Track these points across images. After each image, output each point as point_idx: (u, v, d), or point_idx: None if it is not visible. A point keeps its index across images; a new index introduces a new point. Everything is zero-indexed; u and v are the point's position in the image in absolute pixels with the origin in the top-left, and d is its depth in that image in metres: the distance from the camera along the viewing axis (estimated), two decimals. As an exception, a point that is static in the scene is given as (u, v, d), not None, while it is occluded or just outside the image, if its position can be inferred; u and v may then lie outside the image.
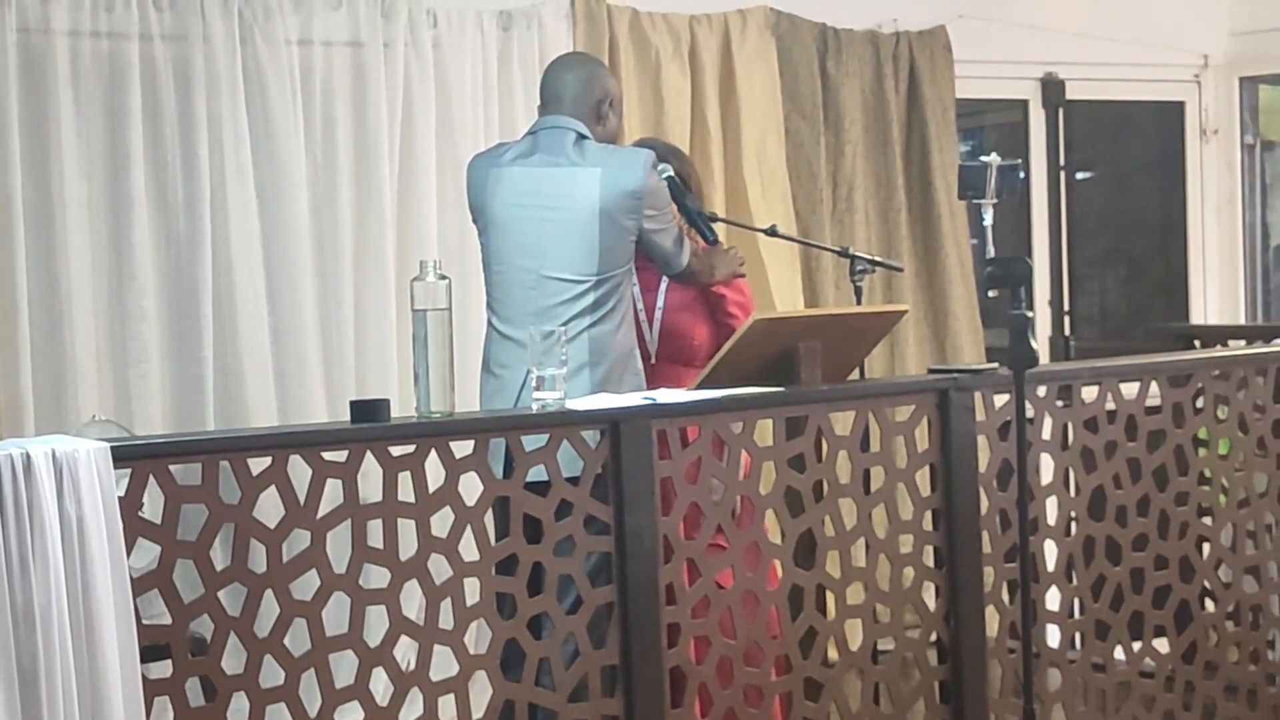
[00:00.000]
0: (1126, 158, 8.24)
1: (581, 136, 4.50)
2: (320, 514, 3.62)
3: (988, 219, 4.35)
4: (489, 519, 3.89)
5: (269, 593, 3.56)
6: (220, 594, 3.51)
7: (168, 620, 3.47)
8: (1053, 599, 4.76)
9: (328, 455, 3.64)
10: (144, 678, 3.31)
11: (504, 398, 4.44)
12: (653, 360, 4.82)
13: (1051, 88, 7.50)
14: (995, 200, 4.32)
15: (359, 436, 3.69)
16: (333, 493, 3.64)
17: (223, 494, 3.51)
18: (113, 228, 5.41)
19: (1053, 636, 4.76)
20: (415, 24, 5.83)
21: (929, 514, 4.50)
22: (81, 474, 3.20)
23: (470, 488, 3.82)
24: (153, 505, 3.43)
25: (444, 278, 3.88)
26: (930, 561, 4.52)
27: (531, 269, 4.47)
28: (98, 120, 5.38)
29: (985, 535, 4.53)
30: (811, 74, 6.67)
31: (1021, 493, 4.16)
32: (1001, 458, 4.54)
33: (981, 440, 4.54)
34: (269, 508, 3.57)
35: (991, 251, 4.32)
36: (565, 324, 4.32)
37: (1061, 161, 7.58)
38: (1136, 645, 4.83)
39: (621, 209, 4.42)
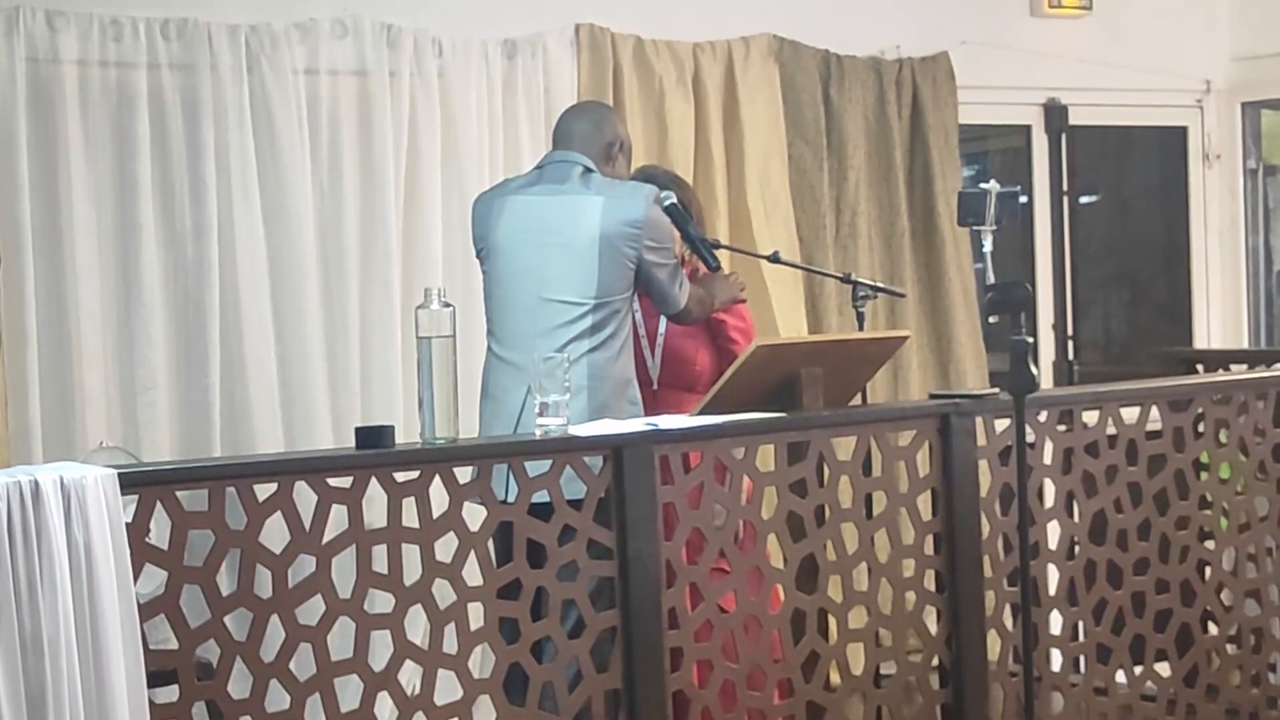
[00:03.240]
0: (1129, 182, 8.27)
1: (588, 170, 4.55)
2: (325, 539, 3.65)
3: (988, 245, 4.38)
4: (490, 544, 3.92)
5: (275, 618, 3.59)
6: (226, 619, 3.54)
7: (174, 645, 3.50)
8: (1054, 623, 4.78)
9: (333, 481, 3.67)
10: (151, 703, 3.33)
11: (503, 422, 4.48)
12: (654, 386, 4.85)
13: (1054, 113, 7.54)
14: (995, 227, 4.34)
15: (364, 463, 3.72)
16: (338, 518, 3.67)
17: (229, 520, 3.54)
18: (121, 255, 5.45)
19: (1054, 660, 4.77)
20: (420, 53, 5.87)
21: (930, 538, 4.53)
22: (89, 500, 3.23)
23: (474, 513, 3.85)
24: (159, 531, 3.46)
25: (448, 305, 3.92)
26: (932, 585, 4.54)
27: (532, 292, 4.51)
28: (106, 148, 5.43)
29: (986, 559, 4.56)
30: (815, 100, 6.71)
31: (1022, 517, 4.19)
32: (1002, 482, 4.56)
33: (983, 465, 4.56)
34: (274, 533, 3.60)
35: (992, 278, 4.34)
36: (564, 347, 4.35)
37: (1064, 186, 7.60)
38: (1138, 669, 4.85)
39: (622, 236, 4.46)
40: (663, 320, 4.90)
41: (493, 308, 4.62)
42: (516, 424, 4.42)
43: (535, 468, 3.93)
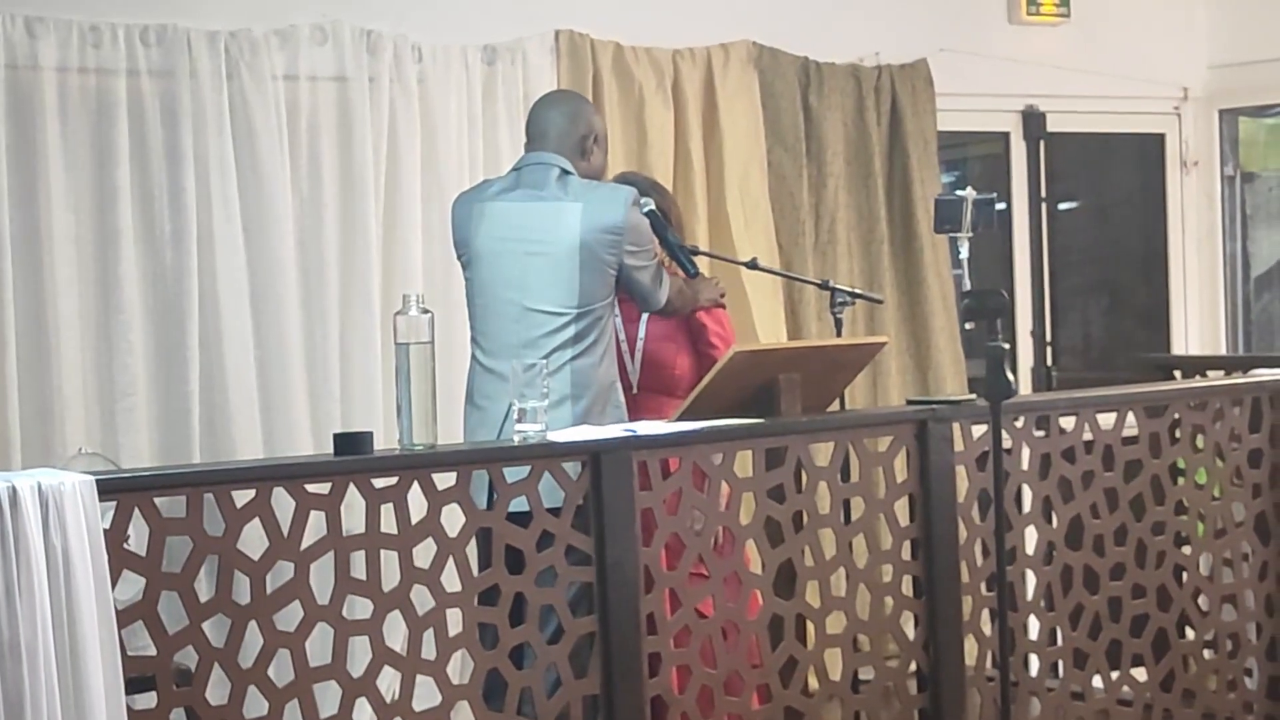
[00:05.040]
0: (1108, 189, 8.30)
1: (565, 172, 4.55)
2: (304, 545, 3.65)
3: (964, 252, 4.40)
4: (473, 550, 3.93)
5: (253, 624, 3.59)
6: (204, 625, 3.54)
7: (152, 652, 3.50)
8: (1031, 628, 4.80)
9: (311, 487, 3.67)
10: (129, 709, 3.34)
11: (487, 430, 4.48)
12: (634, 391, 4.86)
13: (1032, 120, 7.57)
14: (971, 234, 4.37)
15: (342, 469, 3.72)
16: (316, 524, 3.67)
17: (207, 526, 3.54)
18: (100, 262, 5.45)
19: (1032, 665, 4.79)
20: (400, 58, 5.87)
21: (908, 544, 4.54)
22: (67, 507, 3.23)
23: (452, 519, 3.85)
24: (138, 537, 3.47)
25: (426, 311, 3.92)
26: (909, 591, 4.56)
27: (515, 301, 4.51)
28: (85, 155, 5.42)
29: (964, 564, 4.58)
30: (794, 107, 6.72)
31: (998, 523, 4.20)
32: (980, 488, 4.59)
33: (960, 470, 4.58)
34: (253, 540, 3.60)
35: (968, 284, 4.36)
36: (548, 356, 4.36)
37: (1043, 193, 7.63)
38: (1115, 674, 4.87)
39: (602, 244, 4.47)
40: (642, 325, 4.92)
41: (476, 315, 4.62)
42: (500, 432, 4.42)
43: (514, 474, 3.94)
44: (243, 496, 3.60)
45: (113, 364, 5.44)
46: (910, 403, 4.92)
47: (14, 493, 3.18)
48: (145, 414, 5.47)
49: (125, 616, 3.39)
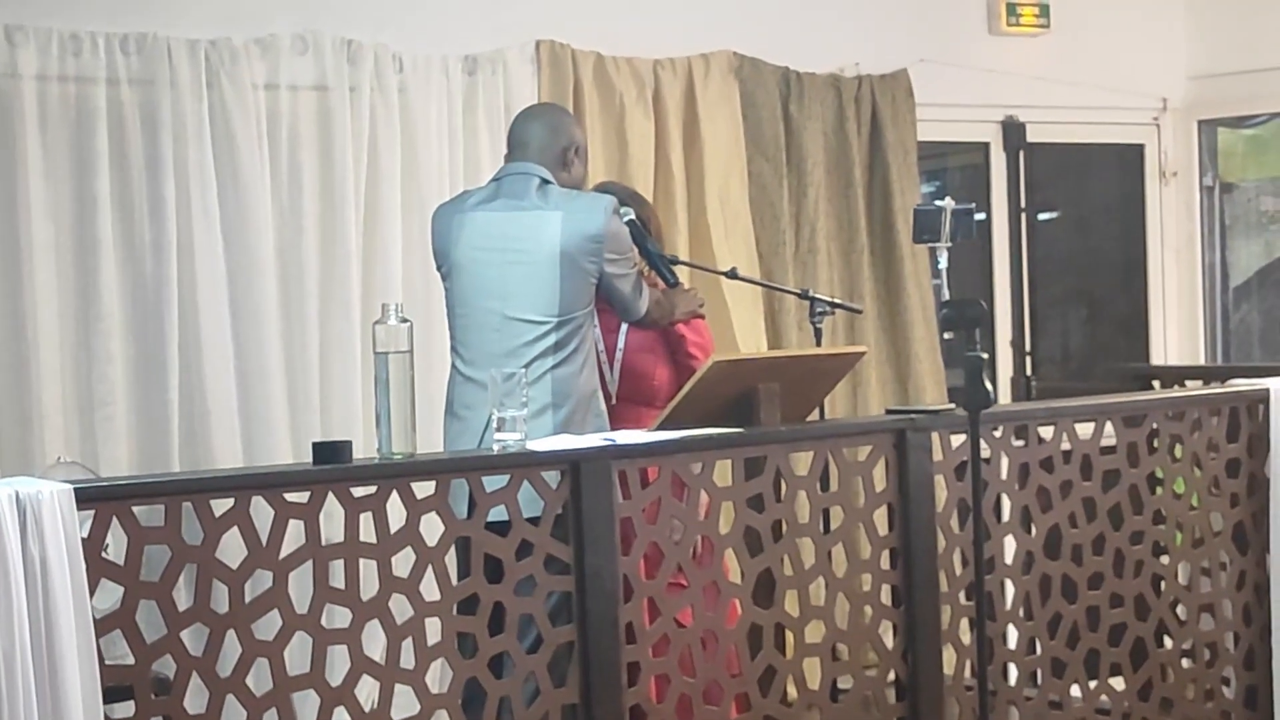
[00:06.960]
0: (1087, 199, 8.33)
1: (545, 181, 4.56)
2: (282, 554, 3.65)
3: (943, 262, 4.41)
4: (452, 559, 3.93)
5: (231, 633, 3.59)
6: (183, 634, 3.53)
7: (131, 661, 3.49)
8: (1010, 637, 4.81)
9: (290, 496, 3.67)
10: (107, 718, 3.33)
11: (467, 439, 4.48)
12: (613, 401, 4.86)
13: (1012, 130, 7.59)
14: (950, 244, 4.38)
15: (320, 478, 3.72)
16: (295, 533, 3.67)
17: (185, 535, 3.53)
18: (80, 270, 5.44)
19: (1010, 674, 4.80)
20: (381, 68, 5.88)
21: (887, 553, 4.55)
22: (45, 515, 3.23)
23: (431, 528, 3.85)
24: (116, 546, 3.46)
25: (405, 321, 3.92)
26: (888, 600, 4.56)
27: (495, 310, 4.52)
28: (65, 164, 5.42)
29: (942, 574, 4.58)
30: (774, 117, 6.74)
31: (977, 532, 4.21)
32: (958, 497, 4.59)
33: (939, 480, 4.59)
34: (231, 548, 3.60)
35: (947, 294, 4.38)
36: (528, 365, 4.37)
37: (1023, 203, 7.65)
38: (1093, 683, 4.88)
39: (582, 252, 4.48)
40: (621, 335, 4.92)
41: (456, 325, 4.63)
42: (480, 442, 4.42)
43: (493, 483, 3.94)
44: (221, 505, 3.59)
45: (92, 373, 5.43)
46: (889, 412, 4.92)
47: (-9, 501, 3.18)
48: (124, 423, 5.46)
49: (103, 625, 3.38)
